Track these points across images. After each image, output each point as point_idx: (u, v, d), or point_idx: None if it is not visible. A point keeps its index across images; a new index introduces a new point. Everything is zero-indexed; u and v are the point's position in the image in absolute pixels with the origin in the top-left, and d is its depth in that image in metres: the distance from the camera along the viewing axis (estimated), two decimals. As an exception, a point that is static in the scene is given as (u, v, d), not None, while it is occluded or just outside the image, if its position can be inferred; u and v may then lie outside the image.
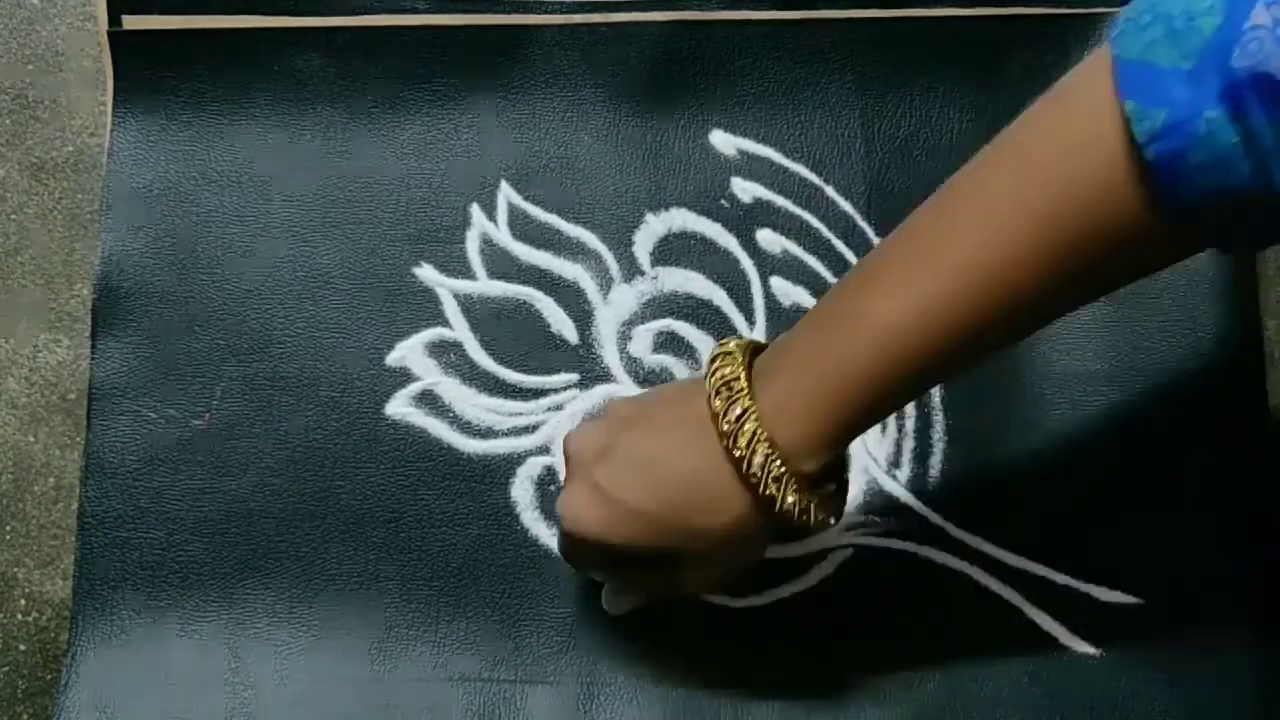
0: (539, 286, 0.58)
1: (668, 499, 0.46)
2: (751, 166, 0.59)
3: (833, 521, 0.47)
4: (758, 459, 0.44)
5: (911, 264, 0.43)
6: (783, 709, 0.54)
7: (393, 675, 0.55)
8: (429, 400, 0.57)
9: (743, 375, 0.45)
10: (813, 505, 0.46)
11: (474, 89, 0.60)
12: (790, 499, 0.45)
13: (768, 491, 0.45)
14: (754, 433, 0.44)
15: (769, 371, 0.45)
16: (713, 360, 0.47)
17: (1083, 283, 0.42)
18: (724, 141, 0.59)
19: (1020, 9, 0.59)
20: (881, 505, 0.56)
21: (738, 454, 0.44)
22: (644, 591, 0.53)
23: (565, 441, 0.50)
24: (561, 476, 0.56)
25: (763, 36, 0.60)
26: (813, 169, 0.59)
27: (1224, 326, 0.58)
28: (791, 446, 0.44)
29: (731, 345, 0.47)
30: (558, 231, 0.59)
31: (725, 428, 0.45)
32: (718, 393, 0.45)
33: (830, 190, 0.59)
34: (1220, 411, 0.57)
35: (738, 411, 0.45)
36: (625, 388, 0.57)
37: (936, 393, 0.57)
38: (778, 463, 0.44)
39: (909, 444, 0.57)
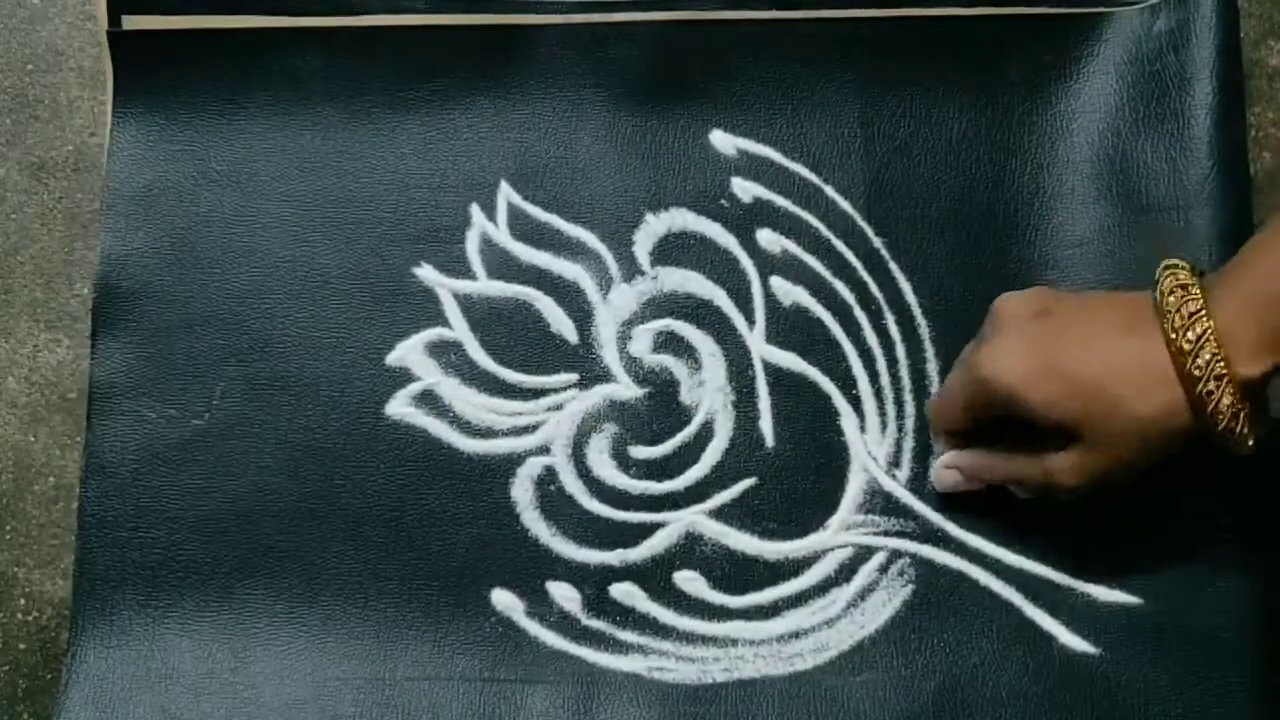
0: (539, 286, 0.58)
1: (1101, 369, 0.48)
2: (751, 166, 0.59)
3: (1250, 444, 0.48)
4: (1204, 356, 0.46)
5: None
6: (782, 706, 0.54)
7: (393, 675, 0.55)
8: (429, 400, 0.57)
9: (1197, 282, 0.48)
10: (1243, 414, 0.47)
11: (474, 89, 0.60)
12: (1226, 400, 0.47)
13: (1206, 389, 0.46)
14: (1205, 330, 0.46)
15: (1219, 283, 0.48)
16: (1164, 269, 0.49)
17: None
18: (724, 141, 0.59)
19: (1020, 9, 0.59)
20: (881, 505, 0.56)
21: (1186, 346, 0.46)
22: (1003, 472, 0.53)
23: (997, 303, 0.52)
24: (561, 476, 0.57)
25: (763, 36, 0.60)
26: (813, 169, 0.59)
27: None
28: (1238, 349, 0.46)
29: (1177, 261, 0.49)
30: (558, 231, 0.59)
31: (1177, 321, 0.47)
32: (1172, 291, 0.48)
33: (830, 190, 0.59)
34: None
35: (1192, 308, 0.47)
36: (625, 388, 0.57)
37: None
38: (1221, 363, 0.46)
39: (909, 444, 0.57)
